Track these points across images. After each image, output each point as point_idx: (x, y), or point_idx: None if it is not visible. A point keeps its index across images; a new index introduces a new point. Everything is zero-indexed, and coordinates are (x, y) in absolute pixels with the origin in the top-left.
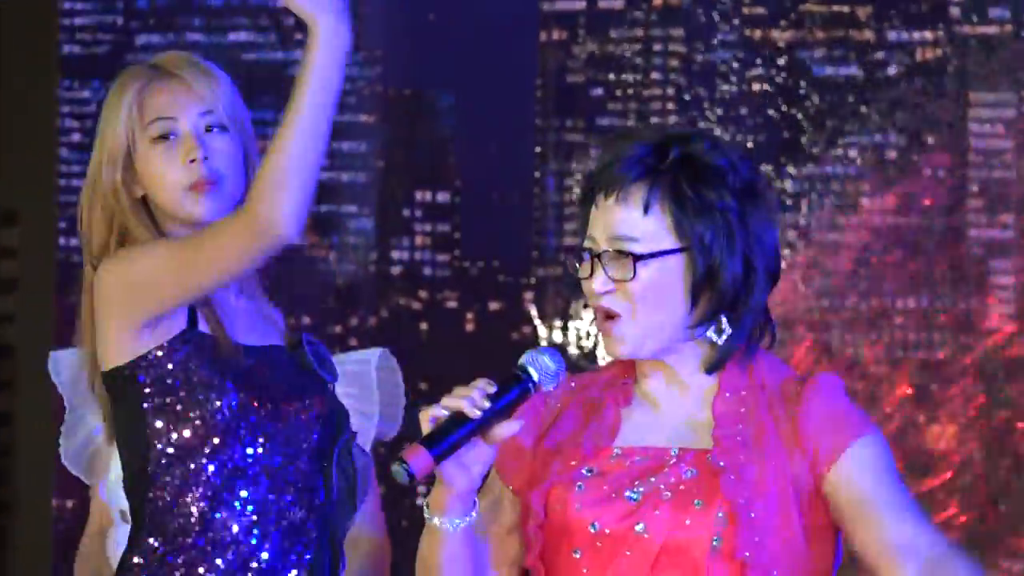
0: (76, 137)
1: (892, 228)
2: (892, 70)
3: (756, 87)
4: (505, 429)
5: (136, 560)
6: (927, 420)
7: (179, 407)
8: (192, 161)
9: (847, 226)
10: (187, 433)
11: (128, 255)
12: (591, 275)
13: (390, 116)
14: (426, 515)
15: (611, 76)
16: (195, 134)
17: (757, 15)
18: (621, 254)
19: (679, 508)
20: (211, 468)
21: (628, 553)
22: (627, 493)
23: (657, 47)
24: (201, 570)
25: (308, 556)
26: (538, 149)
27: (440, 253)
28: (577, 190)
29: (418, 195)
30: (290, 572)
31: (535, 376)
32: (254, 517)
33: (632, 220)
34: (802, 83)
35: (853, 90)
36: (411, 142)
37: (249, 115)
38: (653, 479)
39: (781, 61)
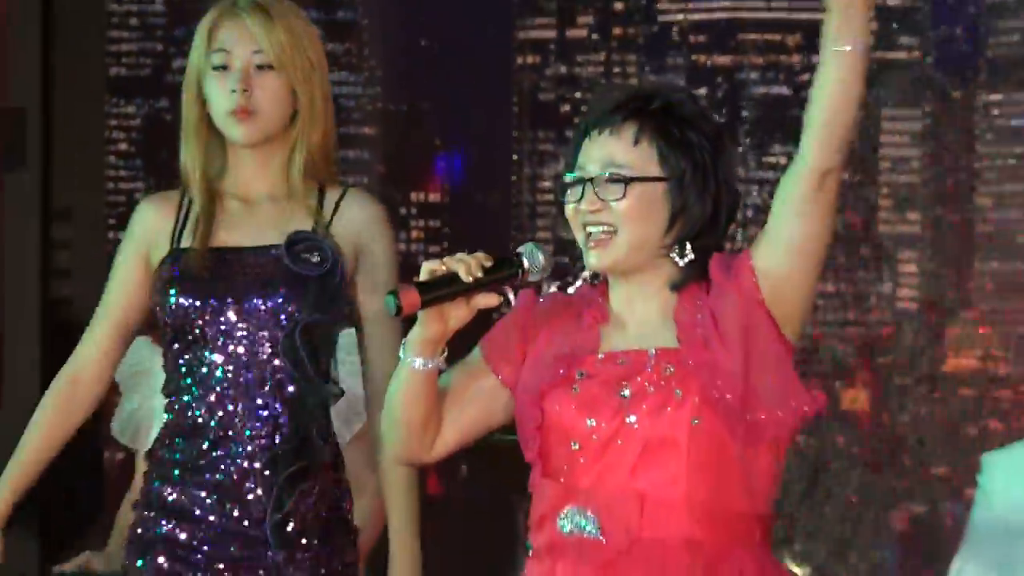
0: (122, 146)
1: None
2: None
3: (701, 103)
4: (486, 300)
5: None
6: (843, 386)
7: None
8: (234, 91)
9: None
10: None
11: None
12: (581, 198)
13: (388, 128)
14: (400, 355)
15: (577, 95)
16: (244, 68)
17: (701, 43)
18: (613, 179)
19: (662, 398)
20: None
21: (620, 442)
22: (619, 391)
23: (616, 70)
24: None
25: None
26: (515, 157)
27: (431, 245)
28: (548, 193)
29: (412, 196)
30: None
31: (526, 265)
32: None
33: (623, 150)
34: (740, 100)
35: (783, 106)
36: (406, 151)
37: (314, 57)
38: (639, 377)
39: (721, 81)
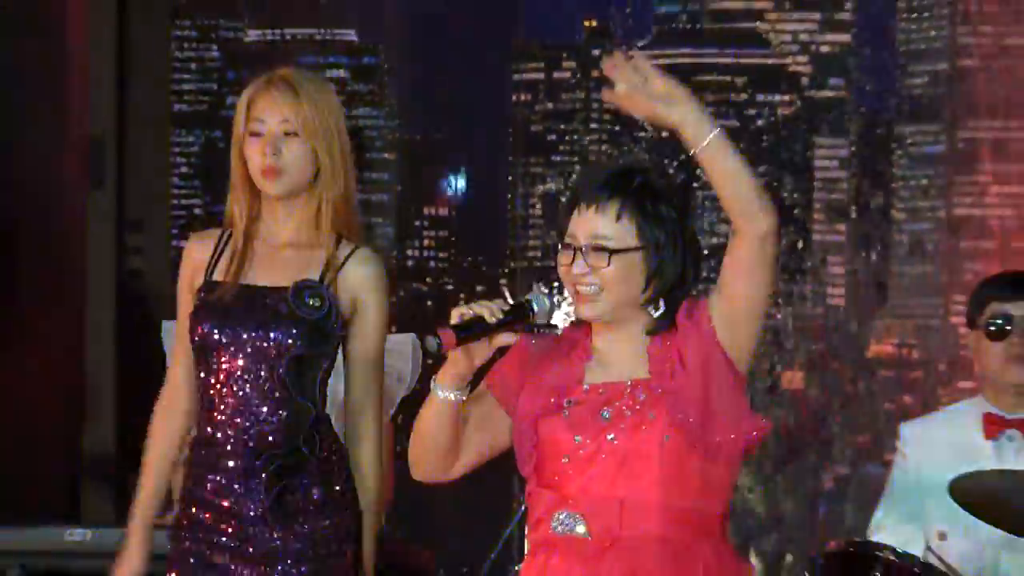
0: (183, 169)
1: None
2: (760, 122)
3: (664, 134)
4: (504, 339)
5: None
6: (782, 369)
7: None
8: (265, 154)
9: (725, 232)
10: None
11: None
12: (572, 263)
13: (404, 154)
14: (432, 386)
15: (562, 126)
16: (273, 134)
17: None
18: (598, 249)
19: (638, 420)
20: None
21: (603, 456)
22: (601, 414)
23: (595, 106)
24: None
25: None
26: (510, 178)
27: (441, 252)
28: (538, 208)
29: (425, 210)
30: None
31: (536, 309)
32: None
33: (608, 225)
34: None
35: (733, 136)
36: (419, 172)
37: (335, 125)
38: (617, 403)
39: None
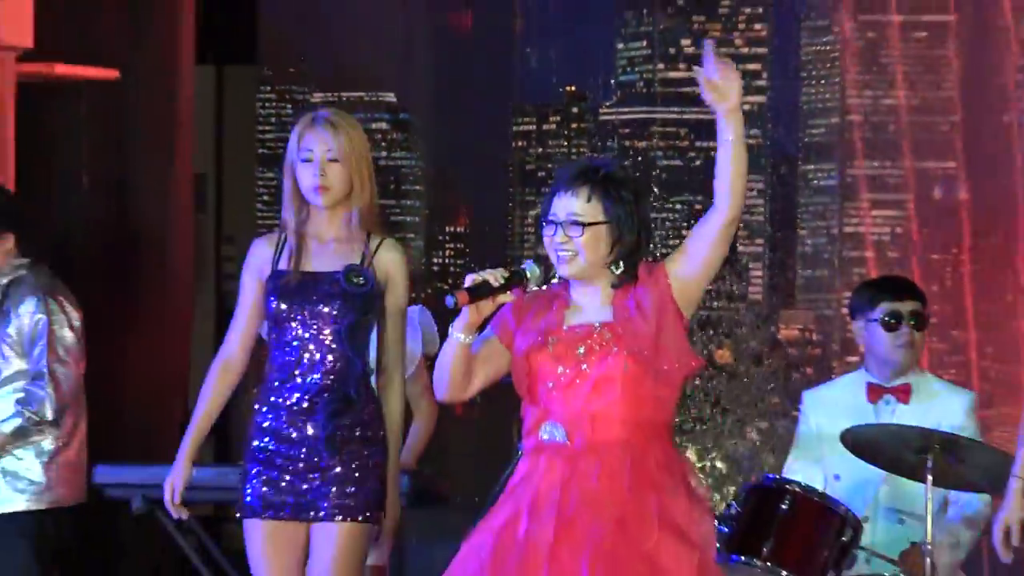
0: (265, 197)
1: None
2: (698, 162)
3: (627, 171)
4: (504, 298)
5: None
6: (716, 348)
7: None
8: (315, 175)
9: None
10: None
11: None
12: (554, 234)
13: (430, 186)
14: (450, 331)
15: (549, 166)
16: (320, 161)
17: (626, 133)
18: (573, 223)
19: (605, 353)
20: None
21: (578, 382)
22: (577, 349)
23: (574, 150)
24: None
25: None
26: (510, 204)
27: (459, 259)
28: (531, 226)
29: (447, 228)
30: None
31: (528, 275)
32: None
33: (580, 205)
34: (651, 169)
35: (678, 172)
36: (441, 200)
37: (363, 153)
38: (589, 340)
39: (640, 158)
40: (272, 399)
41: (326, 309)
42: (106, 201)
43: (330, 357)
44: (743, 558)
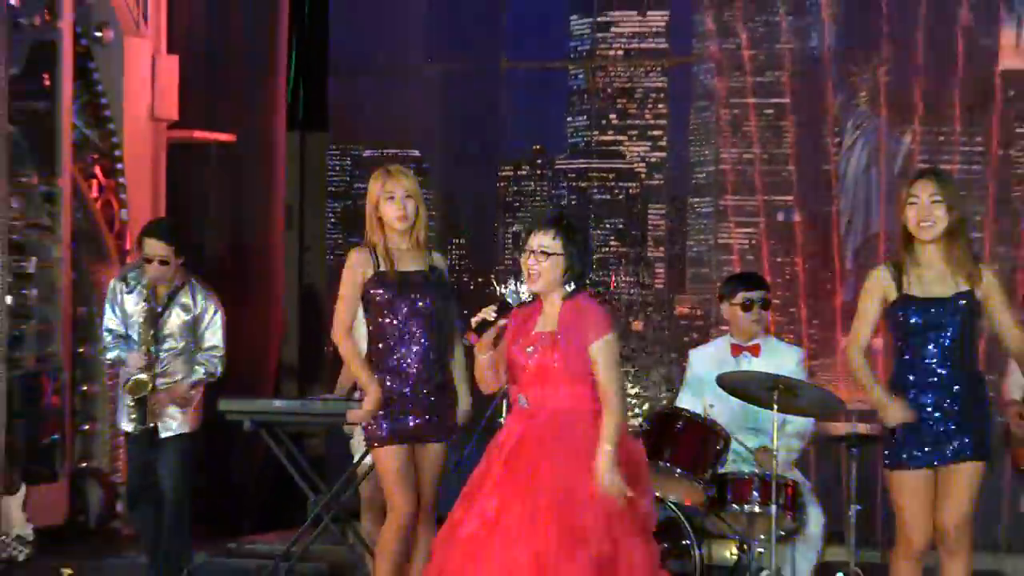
0: (332, 220)
1: (617, 254)
2: (621, 196)
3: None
4: (501, 323)
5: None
6: (629, 320)
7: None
8: (399, 208)
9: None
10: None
11: None
12: (527, 260)
13: (441, 214)
14: (476, 352)
15: (523, 198)
16: (402, 198)
17: (573, 177)
18: (541, 252)
19: (548, 352)
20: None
21: (535, 370)
22: (536, 348)
23: (539, 190)
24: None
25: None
26: (495, 224)
27: (461, 261)
28: (509, 242)
29: (453, 240)
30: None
31: (511, 301)
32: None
33: (547, 241)
34: (589, 204)
35: (605, 207)
36: (449, 220)
37: (419, 190)
38: (539, 343)
39: (583, 196)
40: (387, 368)
41: (420, 300)
42: (228, 223)
43: (430, 337)
44: (651, 461)
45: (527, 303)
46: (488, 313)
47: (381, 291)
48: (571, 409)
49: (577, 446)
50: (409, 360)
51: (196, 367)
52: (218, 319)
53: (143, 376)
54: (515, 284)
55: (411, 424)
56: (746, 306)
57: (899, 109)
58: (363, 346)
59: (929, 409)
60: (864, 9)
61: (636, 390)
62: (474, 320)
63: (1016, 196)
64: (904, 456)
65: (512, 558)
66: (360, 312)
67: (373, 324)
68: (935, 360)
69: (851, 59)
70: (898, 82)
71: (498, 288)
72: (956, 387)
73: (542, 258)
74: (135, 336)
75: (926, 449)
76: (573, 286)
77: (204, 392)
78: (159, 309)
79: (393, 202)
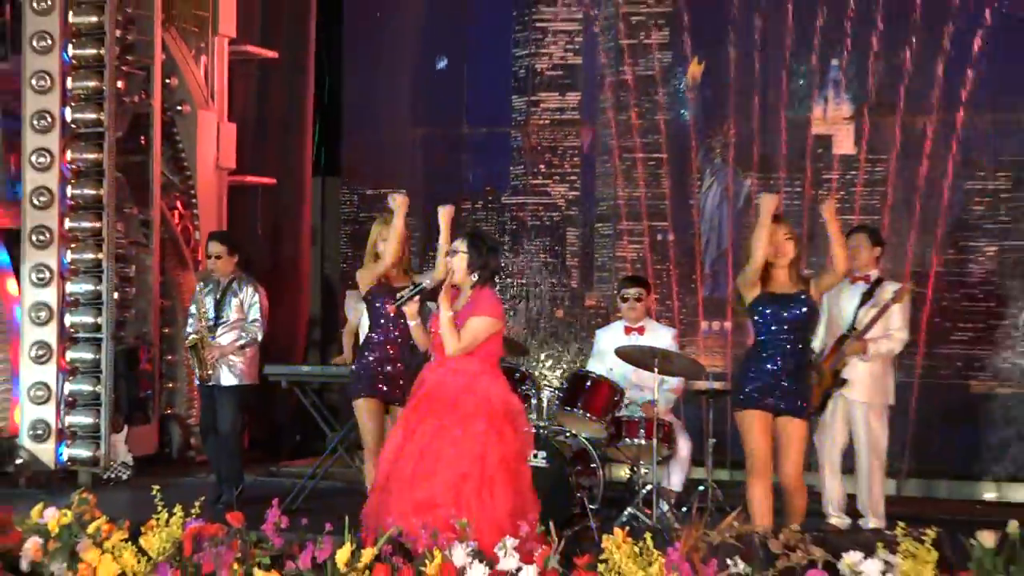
0: (344, 240)
1: (545, 263)
2: (537, 223)
3: (489, 238)
4: (414, 301)
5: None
6: (555, 308)
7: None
8: (392, 248)
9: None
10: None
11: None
12: (453, 259)
13: (422, 232)
14: (408, 319)
15: (479, 224)
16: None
17: (512, 208)
18: (456, 252)
19: (457, 324)
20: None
21: (435, 333)
22: (451, 323)
23: (491, 217)
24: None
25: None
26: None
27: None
28: None
29: (428, 253)
30: None
31: (421, 285)
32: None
33: (461, 245)
34: (524, 227)
35: (535, 227)
36: (424, 239)
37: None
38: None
39: (517, 222)
40: (369, 342)
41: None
42: (270, 242)
43: (403, 334)
44: (568, 408)
45: (435, 288)
46: (405, 293)
47: (380, 303)
48: (470, 362)
49: (453, 385)
50: (388, 346)
51: (243, 333)
52: (258, 301)
53: (195, 335)
54: (426, 276)
55: (385, 389)
56: (631, 299)
57: (742, 162)
58: (363, 325)
59: (769, 367)
60: (717, 91)
61: (557, 360)
62: (399, 296)
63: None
64: (741, 397)
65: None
66: (362, 305)
67: (372, 319)
68: (781, 336)
69: (708, 126)
70: (741, 143)
71: (414, 279)
72: (790, 358)
73: (454, 256)
74: (199, 312)
75: (764, 396)
76: (476, 277)
77: (255, 360)
78: (218, 298)
79: (387, 244)
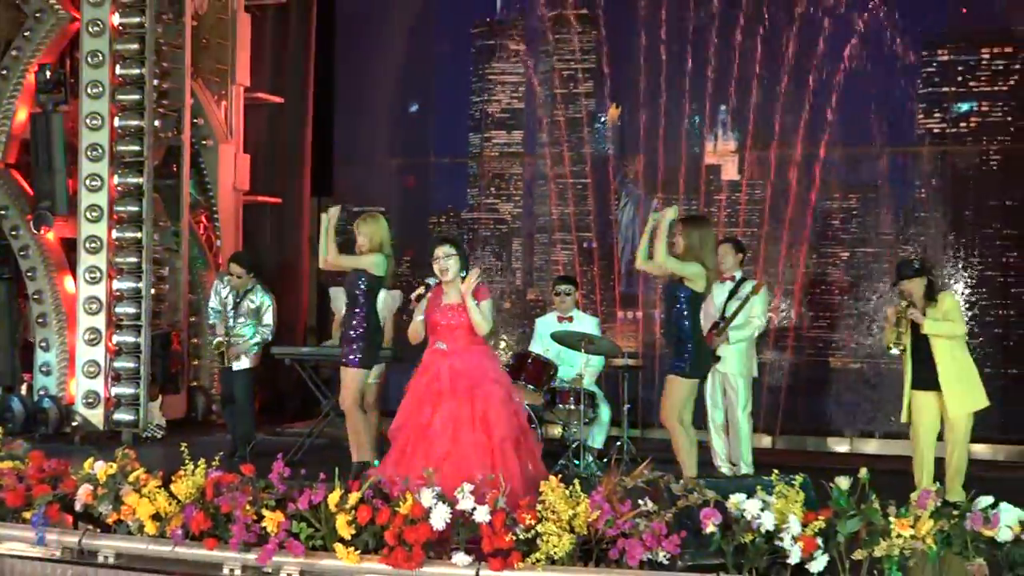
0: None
1: (495, 266)
2: (497, 235)
3: (462, 244)
4: (428, 296)
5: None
6: (504, 302)
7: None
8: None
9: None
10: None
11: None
12: (440, 262)
13: (397, 242)
14: (415, 315)
15: (444, 236)
16: (359, 235)
17: (471, 223)
18: (447, 257)
19: (454, 316)
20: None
21: (447, 326)
22: (447, 312)
23: (454, 228)
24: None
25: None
26: (431, 249)
27: (409, 269)
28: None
29: (403, 258)
30: None
31: (431, 284)
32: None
33: (447, 250)
34: (481, 238)
35: (494, 237)
36: (400, 246)
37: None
38: (449, 311)
39: (477, 233)
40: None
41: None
42: (276, 250)
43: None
44: (514, 380)
45: (434, 286)
46: (420, 291)
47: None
48: (472, 344)
49: (478, 365)
50: (355, 321)
51: (256, 334)
52: (271, 307)
53: (221, 339)
54: (432, 279)
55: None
56: (563, 294)
57: (650, 185)
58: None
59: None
60: (630, 130)
61: (507, 343)
62: (414, 294)
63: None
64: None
65: (467, 442)
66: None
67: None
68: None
69: (623, 156)
70: (649, 171)
71: (425, 280)
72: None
73: (448, 259)
74: (222, 311)
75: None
76: (464, 273)
77: (262, 348)
78: (237, 300)
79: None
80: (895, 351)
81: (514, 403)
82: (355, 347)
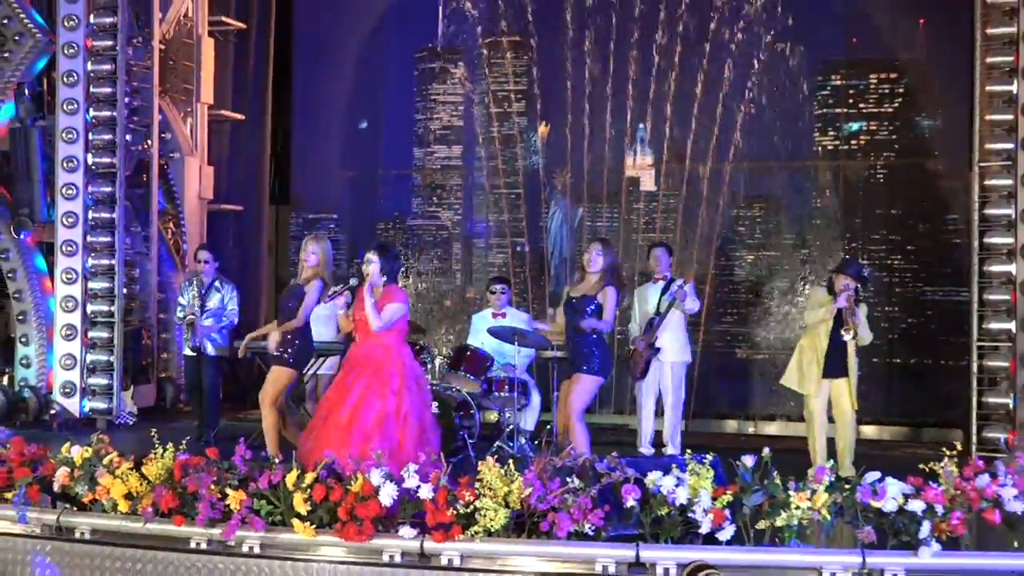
0: (292, 254)
1: (438, 268)
2: (439, 238)
3: (398, 254)
4: (346, 296)
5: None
6: (446, 299)
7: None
8: (306, 261)
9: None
10: None
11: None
12: (367, 266)
13: (349, 245)
14: (338, 311)
15: (389, 240)
16: (307, 253)
17: (420, 231)
18: (369, 262)
19: (380, 308)
20: None
21: (359, 319)
22: (363, 310)
23: (401, 237)
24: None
25: None
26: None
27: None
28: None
29: (357, 262)
30: None
31: (353, 284)
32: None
33: (373, 256)
34: (423, 243)
35: (439, 244)
36: (352, 250)
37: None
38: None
39: (423, 241)
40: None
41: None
42: (238, 253)
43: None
44: (454, 370)
45: (357, 287)
46: (337, 288)
47: (328, 301)
48: (385, 336)
49: (371, 354)
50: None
51: (223, 318)
52: (235, 295)
53: (190, 316)
54: (355, 279)
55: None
56: (497, 293)
57: (576, 195)
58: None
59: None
60: (558, 145)
61: (446, 337)
62: (330, 291)
63: (632, 241)
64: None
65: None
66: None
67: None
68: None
69: (552, 169)
70: (575, 182)
71: (349, 281)
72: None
73: (369, 264)
74: (191, 302)
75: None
76: (385, 279)
77: (228, 339)
78: (204, 290)
79: (310, 255)
80: (847, 338)
81: (387, 390)
82: (290, 349)
